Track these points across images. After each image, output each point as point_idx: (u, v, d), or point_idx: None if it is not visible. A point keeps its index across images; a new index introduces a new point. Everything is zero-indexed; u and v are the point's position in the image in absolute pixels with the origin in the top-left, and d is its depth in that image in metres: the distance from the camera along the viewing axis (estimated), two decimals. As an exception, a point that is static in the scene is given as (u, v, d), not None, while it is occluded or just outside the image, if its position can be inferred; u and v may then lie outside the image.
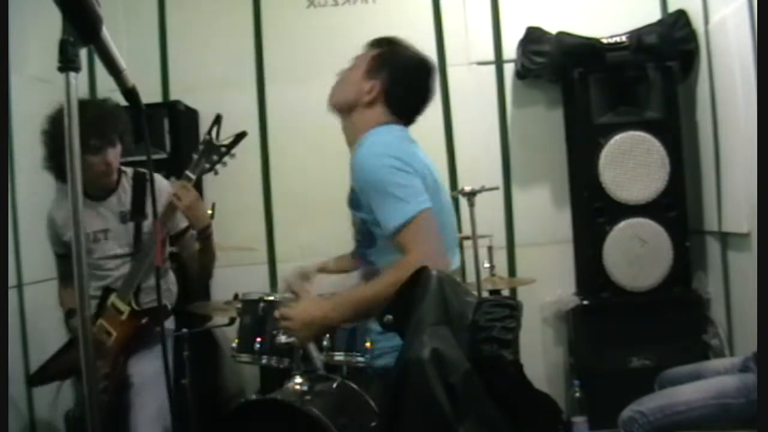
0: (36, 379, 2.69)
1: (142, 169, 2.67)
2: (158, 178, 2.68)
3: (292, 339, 2.12)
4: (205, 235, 2.62)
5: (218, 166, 2.50)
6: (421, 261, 1.71)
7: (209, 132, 2.49)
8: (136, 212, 2.57)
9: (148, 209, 2.58)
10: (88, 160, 2.40)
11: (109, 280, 2.55)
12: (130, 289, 2.49)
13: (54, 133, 2.45)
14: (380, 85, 2.03)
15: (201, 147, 2.49)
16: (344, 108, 2.07)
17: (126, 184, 2.63)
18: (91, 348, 1.17)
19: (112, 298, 2.50)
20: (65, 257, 2.62)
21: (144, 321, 2.50)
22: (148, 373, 2.45)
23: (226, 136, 2.56)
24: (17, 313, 3.15)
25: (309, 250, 3.38)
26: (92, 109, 2.45)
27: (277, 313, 2.08)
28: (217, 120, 2.49)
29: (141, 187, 2.61)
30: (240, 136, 2.53)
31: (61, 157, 2.39)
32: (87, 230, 2.54)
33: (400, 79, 2.04)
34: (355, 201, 2.00)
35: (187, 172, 2.48)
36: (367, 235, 1.99)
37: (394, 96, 2.03)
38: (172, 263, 2.81)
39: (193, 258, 2.68)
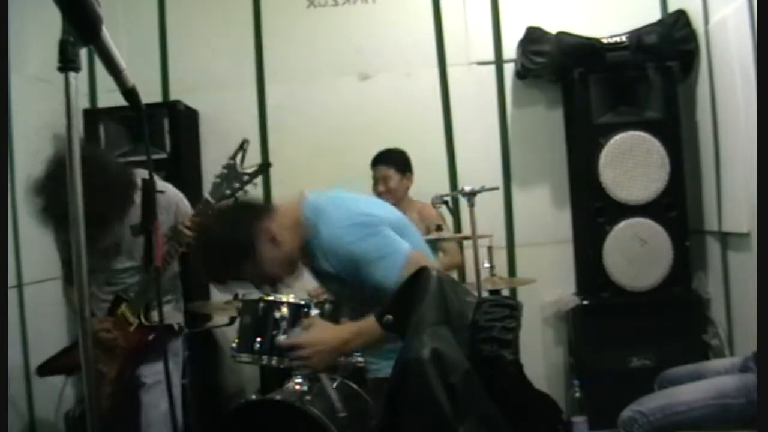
0: (44, 370, 2.69)
1: (152, 180, 2.65)
2: (169, 187, 2.66)
3: (306, 370, 1.91)
4: None
5: (239, 193, 2.41)
6: None
7: (234, 156, 2.41)
8: (146, 225, 2.54)
9: (158, 221, 2.56)
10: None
11: (123, 286, 2.55)
12: (142, 303, 2.49)
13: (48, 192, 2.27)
14: (268, 224, 1.87)
15: (224, 171, 2.42)
16: (289, 264, 1.93)
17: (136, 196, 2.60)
18: (91, 348, 1.17)
19: (123, 308, 2.50)
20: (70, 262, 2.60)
21: (151, 337, 2.49)
22: (161, 373, 2.45)
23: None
24: (17, 313, 3.15)
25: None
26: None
27: (284, 341, 1.90)
28: (243, 145, 2.41)
29: (149, 197, 2.57)
30: (264, 167, 2.46)
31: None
32: (100, 245, 2.51)
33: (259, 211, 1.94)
34: (345, 285, 1.92)
35: (207, 197, 2.41)
36: (378, 298, 1.84)
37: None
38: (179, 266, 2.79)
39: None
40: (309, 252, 1.91)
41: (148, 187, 2.55)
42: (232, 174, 2.40)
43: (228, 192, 2.40)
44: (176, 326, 2.64)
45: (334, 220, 1.85)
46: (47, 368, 2.69)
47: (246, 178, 2.40)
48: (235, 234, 1.82)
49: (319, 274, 1.98)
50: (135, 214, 2.57)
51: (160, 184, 2.66)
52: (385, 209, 1.98)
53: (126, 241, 2.55)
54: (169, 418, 2.42)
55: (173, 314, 2.66)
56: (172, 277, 2.66)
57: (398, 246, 1.82)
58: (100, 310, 2.54)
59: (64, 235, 2.49)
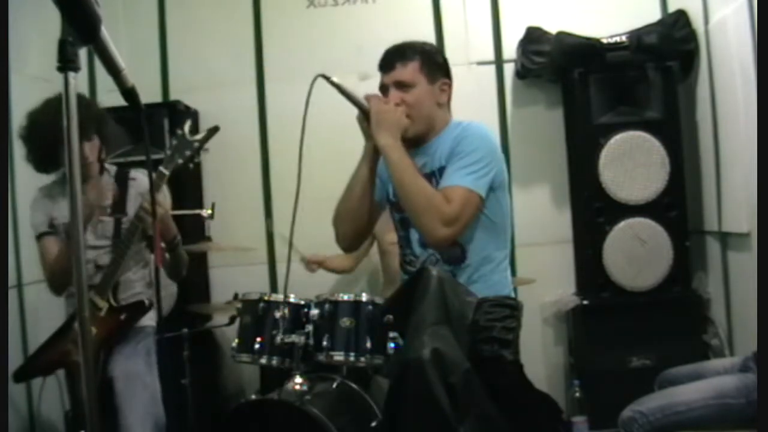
0: (20, 374, 2.69)
1: (126, 168, 2.69)
2: (140, 175, 2.69)
3: (364, 104, 2.03)
4: (172, 246, 2.65)
5: (191, 163, 2.53)
6: (454, 216, 1.86)
7: (182, 127, 2.51)
8: (117, 208, 2.59)
9: (128, 207, 2.59)
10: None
11: (90, 271, 2.54)
12: (109, 285, 2.50)
13: (31, 128, 2.47)
14: (449, 83, 2.09)
15: (174, 142, 2.51)
16: (426, 126, 2.06)
17: (107, 180, 2.64)
18: (91, 348, 1.17)
19: (90, 295, 2.50)
20: (46, 234, 2.61)
21: (122, 317, 2.50)
22: (131, 374, 2.45)
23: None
24: (17, 313, 3.15)
25: (309, 250, 3.38)
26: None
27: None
28: (190, 115, 2.52)
29: (122, 183, 2.62)
30: (212, 131, 2.55)
31: (38, 149, 2.43)
32: (66, 219, 2.54)
33: (450, 74, 2.12)
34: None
35: (161, 168, 2.49)
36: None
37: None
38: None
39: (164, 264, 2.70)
40: (433, 139, 2.07)
41: (122, 177, 2.64)
42: (182, 144, 2.50)
43: (181, 161, 2.49)
44: (146, 302, 2.63)
45: (484, 133, 2.04)
46: (24, 373, 2.68)
47: (196, 145, 2.50)
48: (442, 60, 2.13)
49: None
50: (105, 195, 2.60)
51: (133, 172, 2.69)
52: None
53: (92, 220, 2.57)
54: (147, 421, 2.41)
55: (145, 291, 2.67)
56: (138, 252, 2.66)
57: (483, 186, 1.94)
58: (70, 305, 2.56)
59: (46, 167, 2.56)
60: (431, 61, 2.07)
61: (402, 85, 2.03)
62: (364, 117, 2.03)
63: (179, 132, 2.51)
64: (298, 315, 2.77)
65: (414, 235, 2.04)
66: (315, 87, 2.17)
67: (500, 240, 2.04)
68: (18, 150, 3.08)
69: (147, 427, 2.41)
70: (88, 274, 2.50)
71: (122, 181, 2.63)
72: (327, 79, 2.03)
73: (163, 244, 2.64)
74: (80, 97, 2.59)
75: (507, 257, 2.08)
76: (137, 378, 2.44)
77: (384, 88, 2.07)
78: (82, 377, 1.15)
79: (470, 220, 1.93)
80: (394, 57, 2.07)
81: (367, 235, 2.19)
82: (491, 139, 2.02)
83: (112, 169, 2.68)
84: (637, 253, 3.41)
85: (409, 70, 2.03)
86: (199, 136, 2.51)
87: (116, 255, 2.50)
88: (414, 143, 2.07)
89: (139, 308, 2.57)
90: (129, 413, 2.42)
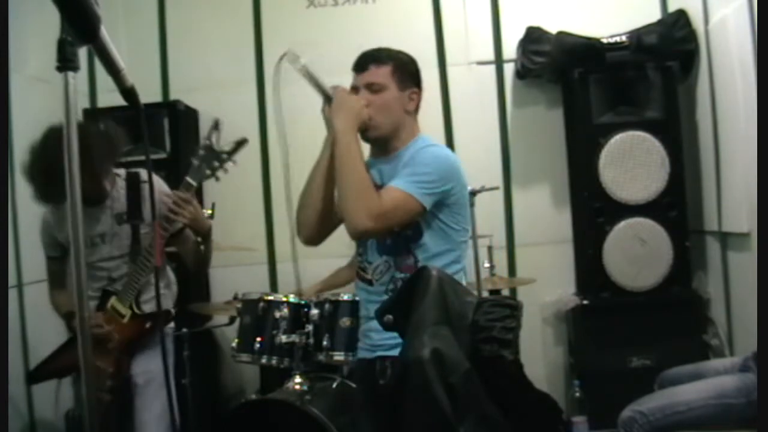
0: (35, 376, 2.69)
1: (135, 169, 2.65)
2: (154, 178, 2.66)
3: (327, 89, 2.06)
4: (207, 238, 2.64)
5: (219, 173, 2.46)
6: (382, 212, 1.89)
7: (209, 137, 2.45)
8: (132, 214, 2.56)
9: (144, 211, 2.56)
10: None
11: (105, 282, 2.54)
12: (132, 292, 2.48)
13: (32, 165, 2.41)
14: (418, 92, 2.11)
15: (201, 152, 2.45)
16: (392, 130, 2.07)
17: (120, 186, 2.61)
18: (90, 349, 1.17)
19: (112, 301, 2.49)
20: (58, 259, 2.61)
21: (147, 325, 2.49)
22: (152, 373, 2.45)
23: (226, 137, 2.55)
24: (17, 313, 3.15)
25: (308, 250, 3.37)
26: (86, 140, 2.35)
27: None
28: (216, 125, 2.47)
29: (135, 188, 2.59)
30: (240, 143, 2.47)
31: (42, 185, 2.38)
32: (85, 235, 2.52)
33: (420, 84, 2.13)
34: None
35: (188, 179, 2.43)
36: (414, 227, 2.00)
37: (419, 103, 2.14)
38: (171, 262, 2.80)
39: (190, 253, 2.68)
40: (400, 149, 2.08)
41: (134, 181, 2.57)
42: (210, 154, 2.44)
43: (208, 172, 2.44)
44: (172, 311, 2.64)
45: (441, 153, 2.06)
46: (39, 374, 2.68)
47: (225, 156, 2.45)
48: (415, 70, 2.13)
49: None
50: (118, 203, 2.58)
51: (144, 175, 2.66)
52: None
53: (110, 231, 2.55)
54: (163, 420, 2.41)
55: (165, 292, 2.66)
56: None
57: (426, 198, 1.94)
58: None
59: (57, 216, 2.52)
60: (404, 68, 2.09)
61: (372, 88, 2.05)
62: (328, 104, 2.06)
63: (206, 142, 2.44)
64: (298, 315, 2.78)
65: (372, 242, 2.05)
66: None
67: (455, 250, 2.04)
68: (18, 152, 3.10)
69: (162, 427, 2.41)
70: (102, 285, 2.52)
71: (134, 185, 2.58)
72: (294, 60, 2.05)
73: (199, 238, 2.63)
74: (103, 132, 2.53)
75: (461, 270, 2.06)
76: (156, 378, 2.44)
77: (355, 90, 2.08)
78: (82, 377, 1.15)
79: (400, 222, 1.95)
80: (368, 59, 2.09)
81: (331, 228, 2.16)
82: (448, 161, 2.03)
83: (122, 173, 2.64)
84: (637, 253, 3.41)
85: (382, 73, 2.06)
86: (227, 148, 2.45)
87: (141, 263, 2.46)
88: (381, 151, 2.11)
89: (159, 312, 2.56)
90: (146, 412, 2.43)
